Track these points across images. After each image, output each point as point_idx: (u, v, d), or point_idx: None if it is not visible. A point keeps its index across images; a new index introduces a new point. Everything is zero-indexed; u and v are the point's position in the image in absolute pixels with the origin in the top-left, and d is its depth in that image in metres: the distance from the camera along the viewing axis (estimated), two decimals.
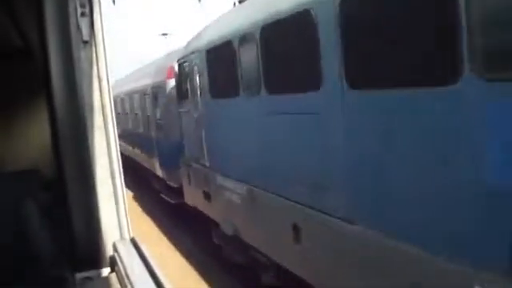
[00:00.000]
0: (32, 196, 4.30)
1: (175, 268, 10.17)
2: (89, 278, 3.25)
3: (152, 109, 15.53)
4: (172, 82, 12.97)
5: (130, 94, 20.22)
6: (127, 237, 3.38)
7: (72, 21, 3.29)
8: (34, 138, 6.18)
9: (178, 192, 13.04)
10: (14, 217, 3.57)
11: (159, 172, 15.22)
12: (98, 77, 3.38)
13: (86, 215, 3.40)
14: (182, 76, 11.10)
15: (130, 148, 21.42)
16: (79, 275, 3.27)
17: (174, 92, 12.44)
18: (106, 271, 3.33)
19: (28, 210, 3.64)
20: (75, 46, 3.31)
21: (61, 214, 3.58)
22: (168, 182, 14.29)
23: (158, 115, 14.76)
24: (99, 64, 3.36)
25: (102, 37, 3.37)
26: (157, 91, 14.71)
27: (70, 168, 3.46)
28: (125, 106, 21.94)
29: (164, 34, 36.45)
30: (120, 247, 3.20)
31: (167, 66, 13.91)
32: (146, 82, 16.45)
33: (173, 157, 12.89)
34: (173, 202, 13.83)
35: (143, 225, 14.23)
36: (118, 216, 3.38)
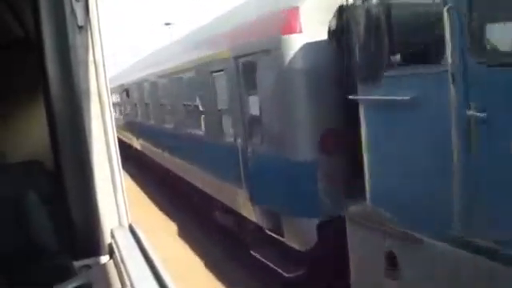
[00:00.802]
0: (33, 186, 4.29)
1: None
2: (88, 266, 3.24)
3: (235, 96, 8.50)
4: (301, 40, 6.60)
5: (173, 76, 12.68)
6: (126, 223, 3.36)
7: (67, 6, 3.25)
8: (34, 128, 6.17)
9: (300, 259, 7.22)
10: (16, 207, 3.56)
11: (249, 212, 8.45)
12: (94, 63, 3.34)
13: (85, 203, 3.39)
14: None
15: (165, 155, 14.79)
16: (78, 263, 3.25)
17: (304, 60, 6.54)
18: (104, 259, 3.32)
19: (29, 199, 3.62)
20: (70, 31, 3.27)
21: (60, 203, 3.56)
22: (277, 237, 7.61)
23: (255, 108, 7.86)
24: (95, 49, 3.32)
25: (98, 22, 3.32)
26: (254, 62, 7.68)
27: (68, 156, 3.44)
28: (157, 94, 14.86)
29: (167, 24, 36.38)
30: (118, 234, 3.19)
31: (277, 10, 7.31)
32: (217, 49, 9.35)
33: (296, 193, 6.92)
34: (287, 274, 7.38)
35: None
36: (117, 203, 3.36)
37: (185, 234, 11.85)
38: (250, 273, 8.80)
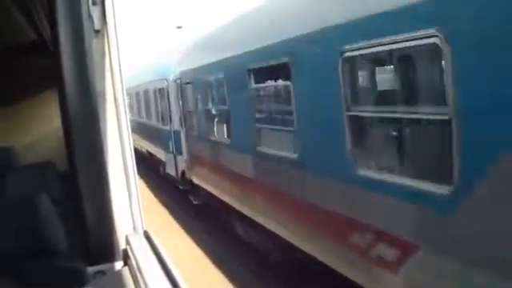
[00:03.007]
0: (46, 189, 4.28)
1: None
2: (102, 272, 3.21)
3: None
4: None
5: None
6: (140, 229, 3.33)
7: (83, 9, 3.24)
8: (47, 131, 6.18)
9: None
10: (28, 209, 3.53)
11: None
12: (111, 67, 3.32)
13: (99, 208, 3.36)
14: None
15: None
16: (92, 269, 3.23)
17: None
18: (118, 265, 3.29)
19: (42, 202, 3.59)
20: (87, 35, 3.25)
21: (74, 207, 3.55)
22: None
23: None
24: (111, 54, 3.30)
25: (114, 26, 3.30)
26: None
27: (83, 160, 3.42)
28: None
29: (179, 27, 36.42)
30: (133, 240, 3.16)
31: None
32: None
33: None
34: None
35: None
36: (131, 208, 3.33)
37: None
38: None
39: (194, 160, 14.11)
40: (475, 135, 4.34)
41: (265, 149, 8.82)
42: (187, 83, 13.99)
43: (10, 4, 4.51)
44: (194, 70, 13.05)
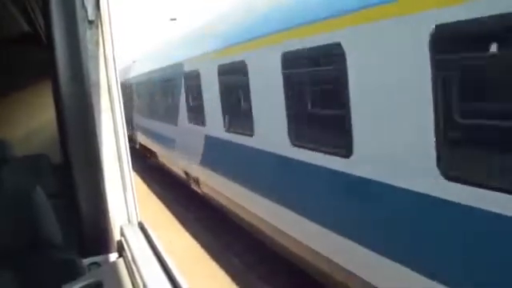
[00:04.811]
0: (40, 181, 4.26)
1: None
2: (96, 264, 3.20)
3: None
4: None
5: None
6: (135, 221, 3.32)
7: (77, 0, 3.21)
8: (42, 122, 6.15)
9: None
10: (23, 201, 3.52)
11: None
12: (105, 57, 3.30)
13: (93, 199, 3.35)
14: None
15: None
16: (86, 260, 3.22)
17: None
18: (113, 256, 3.28)
19: (36, 195, 3.58)
20: (81, 25, 3.23)
21: (68, 198, 3.53)
22: None
23: None
24: (105, 44, 3.28)
25: (108, 16, 3.28)
26: None
27: (77, 151, 3.40)
28: None
29: (173, 19, 36.27)
30: (127, 232, 3.15)
31: None
32: None
33: None
34: None
35: None
36: (126, 200, 3.32)
37: None
38: None
39: None
40: None
41: None
42: None
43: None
44: None
